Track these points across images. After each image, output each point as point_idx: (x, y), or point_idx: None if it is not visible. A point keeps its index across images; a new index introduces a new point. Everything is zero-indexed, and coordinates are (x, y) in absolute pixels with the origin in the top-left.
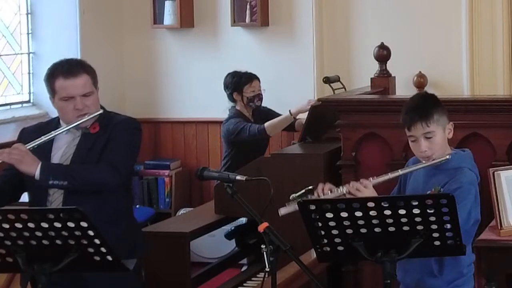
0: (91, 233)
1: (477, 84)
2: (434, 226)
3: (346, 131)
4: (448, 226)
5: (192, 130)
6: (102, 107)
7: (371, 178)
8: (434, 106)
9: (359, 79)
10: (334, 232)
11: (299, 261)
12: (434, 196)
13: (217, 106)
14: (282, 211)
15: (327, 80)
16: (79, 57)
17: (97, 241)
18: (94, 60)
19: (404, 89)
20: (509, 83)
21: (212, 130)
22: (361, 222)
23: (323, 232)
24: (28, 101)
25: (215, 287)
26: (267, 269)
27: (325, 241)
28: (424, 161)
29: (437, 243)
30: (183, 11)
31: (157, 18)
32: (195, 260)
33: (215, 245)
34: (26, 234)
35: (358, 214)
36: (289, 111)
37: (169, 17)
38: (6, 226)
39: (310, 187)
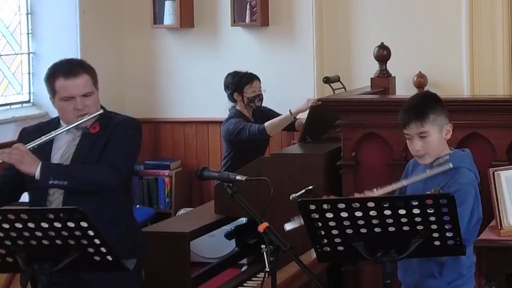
0: (91, 233)
1: (477, 84)
2: (434, 226)
3: (346, 131)
4: (448, 226)
5: (192, 130)
6: (102, 107)
7: (375, 190)
8: (431, 106)
9: (359, 79)
10: (334, 232)
11: (299, 261)
12: (434, 196)
13: (217, 106)
14: (287, 227)
15: (327, 80)
16: (79, 57)
17: (97, 241)
18: (94, 60)
19: (404, 89)
20: (509, 83)
21: (212, 130)
22: (361, 222)
23: (323, 232)
24: (28, 101)
25: (215, 287)
26: (267, 269)
27: (325, 241)
28: (427, 170)
29: (437, 243)
30: (183, 11)
31: (157, 18)
32: (195, 260)
33: (215, 245)
34: (26, 234)
35: (358, 214)
36: (289, 110)
37: (169, 17)
38: (6, 226)
39: (310, 187)
